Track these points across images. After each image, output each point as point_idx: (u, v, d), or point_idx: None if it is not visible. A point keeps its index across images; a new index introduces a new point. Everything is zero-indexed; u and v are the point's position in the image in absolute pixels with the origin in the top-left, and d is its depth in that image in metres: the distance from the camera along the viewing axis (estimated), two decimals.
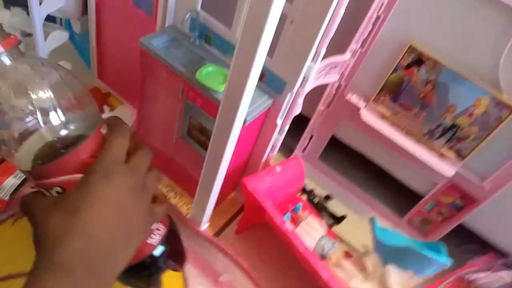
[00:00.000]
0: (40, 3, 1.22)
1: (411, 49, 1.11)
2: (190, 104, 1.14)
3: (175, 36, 1.17)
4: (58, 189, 0.37)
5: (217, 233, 1.32)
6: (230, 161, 1.00)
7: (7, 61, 0.36)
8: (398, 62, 1.16)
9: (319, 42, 0.91)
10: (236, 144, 0.94)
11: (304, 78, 1.00)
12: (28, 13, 1.44)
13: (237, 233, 1.33)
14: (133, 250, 0.38)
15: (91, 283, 0.32)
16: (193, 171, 1.29)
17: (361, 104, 1.32)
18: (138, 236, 0.39)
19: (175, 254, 0.48)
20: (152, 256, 0.44)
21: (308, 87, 1.05)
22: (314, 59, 0.96)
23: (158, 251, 0.45)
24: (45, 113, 0.34)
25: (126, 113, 1.53)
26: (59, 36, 1.37)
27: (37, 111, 0.34)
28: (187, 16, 1.09)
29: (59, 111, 0.35)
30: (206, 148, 1.20)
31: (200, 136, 1.20)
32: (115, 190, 0.35)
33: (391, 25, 1.14)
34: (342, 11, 0.88)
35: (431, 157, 1.23)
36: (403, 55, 1.13)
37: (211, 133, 0.91)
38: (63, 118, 0.36)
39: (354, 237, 1.49)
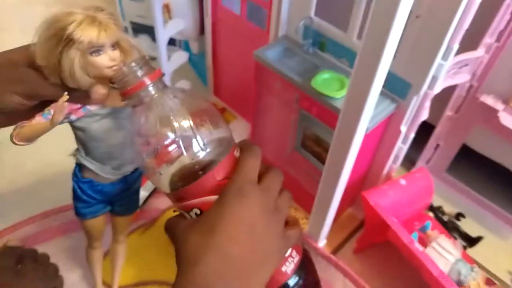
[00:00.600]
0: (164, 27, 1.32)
1: None
2: (305, 114, 1.10)
3: (289, 46, 1.15)
4: (197, 210, 0.38)
5: (335, 251, 1.24)
6: (350, 173, 0.94)
7: (153, 92, 0.38)
8: None
9: (452, 35, 0.81)
10: (357, 154, 0.88)
11: (433, 78, 0.90)
12: (152, 39, 1.57)
13: (356, 252, 1.24)
14: (268, 274, 0.37)
15: None
16: (307, 184, 1.25)
17: (499, 106, 1.15)
18: (273, 260, 0.37)
19: (310, 285, 0.44)
20: (285, 286, 0.41)
21: (437, 89, 0.93)
22: (445, 55, 0.86)
23: (292, 280, 0.41)
24: (187, 140, 0.37)
25: (240, 127, 1.56)
26: (180, 57, 1.46)
27: (180, 140, 0.37)
28: (301, 24, 1.07)
29: (199, 137, 0.37)
30: (321, 160, 1.15)
31: (316, 148, 1.16)
32: (249, 209, 0.35)
33: None
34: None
35: None
36: None
37: (327, 144, 0.86)
38: (202, 144, 0.37)
39: (494, 262, 1.28)
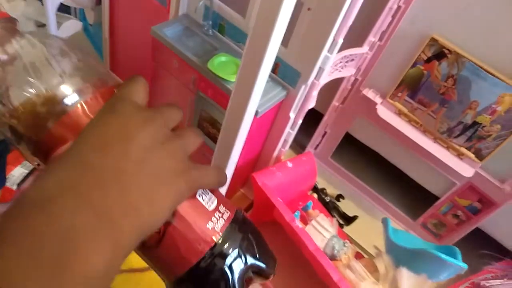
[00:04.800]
0: None
1: (433, 41, 1.07)
2: (201, 96, 1.11)
3: (188, 26, 1.15)
4: None
5: None
6: (240, 155, 0.97)
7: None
8: (418, 56, 1.11)
9: (337, 30, 0.88)
10: (247, 137, 0.91)
11: (319, 69, 0.97)
12: (41, 3, 1.43)
13: None
14: (164, 198, 0.27)
15: (89, 221, 0.23)
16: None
17: (377, 99, 1.28)
18: (167, 180, 0.28)
19: (257, 252, 0.33)
20: (217, 252, 0.30)
21: (324, 80, 1.01)
22: (331, 49, 0.93)
23: (224, 246, 0.30)
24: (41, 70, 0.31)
25: None
26: (72, 26, 1.36)
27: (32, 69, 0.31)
28: (201, 4, 1.07)
29: (55, 65, 0.32)
30: (215, 142, 1.18)
31: (211, 129, 1.18)
32: (122, 118, 0.28)
33: (412, 16, 1.09)
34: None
35: (449, 157, 1.19)
36: (424, 48, 1.09)
37: (219, 125, 0.88)
38: (59, 71, 0.32)
39: (365, 238, 1.45)
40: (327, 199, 1.50)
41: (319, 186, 1.52)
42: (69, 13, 1.61)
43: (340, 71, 1.17)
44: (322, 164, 1.56)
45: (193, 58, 1.05)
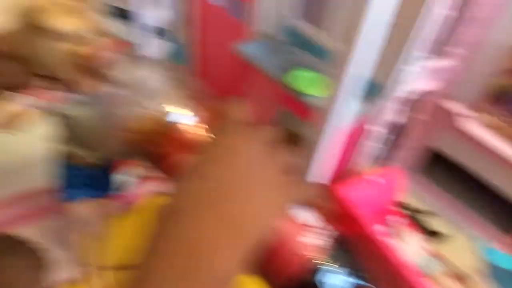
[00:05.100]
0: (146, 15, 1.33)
1: None
2: (283, 110, 1.14)
3: (270, 42, 1.19)
4: None
5: None
6: (324, 168, 0.98)
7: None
8: (505, 66, 1.03)
9: (420, 44, 0.85)
10: (331, 149, 0.92)
11: (402, 82, 0.94)
12: (129, 24, 1.56)
13: None
14: (273, 207, 0.30)
15: (218, 228, 0.27)
16: None
17: (462, 112, 1.20)
18: (275, 191, 0.30)
19: (357, 268, 0.35)
20: (318, 267, 0.29)
21: (407, 93, 0.98)
22: (413, 62, 0.90)
23: (325, 257, 0.30)
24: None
25: None
26: (163, 46, 1.47)
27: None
28: (282, 22, 1.10)
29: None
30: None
31: (292, 142, 1.20)
32: (231, 136, 0.32)
33: (499, 26, 1.02)
34: (443, 11, 0.82)
35: None
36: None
37: (302, 140, 0.90)
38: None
39: (455, 256, 1.35)
40: (413, 214, 1.43)
41: (404, 200, 1.46)
42: (160, 34, 1.75)
43: (423, 83, 1.12)
44: (406, 178, 1.49)
45: (275, 74, 1.09)
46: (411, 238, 1.19)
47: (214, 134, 0.33)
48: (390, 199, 1.29)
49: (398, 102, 0.99)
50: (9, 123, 0.74)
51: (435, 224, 1.44)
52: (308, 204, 0.34)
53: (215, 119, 0.35)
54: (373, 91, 1.00)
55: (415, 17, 0.79)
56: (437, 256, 1.23)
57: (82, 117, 0.85)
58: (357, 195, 1.13)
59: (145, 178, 1.31)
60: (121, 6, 1.64)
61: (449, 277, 1.15)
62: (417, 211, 1.47)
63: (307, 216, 0.33)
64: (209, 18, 1.43)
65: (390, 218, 1.28)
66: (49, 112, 0.67)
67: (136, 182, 1.42)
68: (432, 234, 1.42)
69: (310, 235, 0.31)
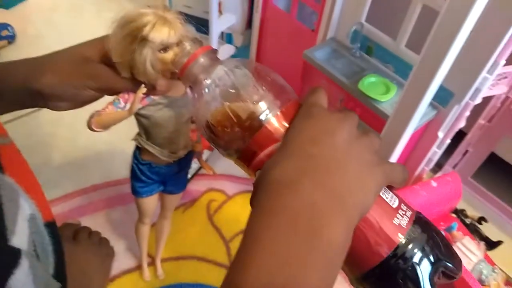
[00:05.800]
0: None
1: None
2: None
3: (336, 48, 1.22)
4: None
5: None
6: None
7: (204, 64, 0.40)
8: None
9: (500, 51, 0.87)
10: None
11: (476, 89, 0.96)
12: (196, 29, 1.63)
13: None
14: (370, 184, 0.30)
15: (325, 199, 0.28)
16: None
17: None
18: (369, 169, 0.31)
19: (443, 251, 0.31)
20: (404, 250, 0.29)
21: (479, 100, 1.00)
22: (491, 70, 0.92)
23: (411, 240, 0.30)
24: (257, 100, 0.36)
25: None
26: (227, 50, 1.53)
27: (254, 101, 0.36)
28: (352, 28, 1.14)
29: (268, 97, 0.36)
30: None
31: None
32: (321, 118, 0.32)
33: None
34: None
35: None
36: None
37: None
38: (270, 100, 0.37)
39: (508, 263, 1.35)
40: (468, 221, 1.44)
41: (459, 207, 1.46)
42: (225, 38, 1.81)
43: (491, 89, 1.13)
44: (462, 184, 1.50)
45: (342, 79, 1.12)
46: (467, 245, 1.20)
47: (302, 119, 0.33)
48: (447, 205, 1.30)
49: (468, 109, 1.01)
50: (101, 122, 0.79)
51: (487, 230, 1.45)
52: (396, 186, 0.34)
53: (295, 111, 0.36)
54: (444, 97, 1.02)
55: (503, 26, 0.81)
56: (492, 263, 1.24)
57: (163, 118, 0.90)
58: (416, 201, 1.15)
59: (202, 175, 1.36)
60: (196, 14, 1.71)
61: (505, 285, 1.16)
62: (469, 216, 1.47)
63: (391, 199, 0.32)
64: (274, 23, 1.47)
65: (446, 224, 1.29)
66: (132, 113, 0.72)
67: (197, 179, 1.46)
68: (484, 240, 1.43)
69: (396, 217, 0.31)
